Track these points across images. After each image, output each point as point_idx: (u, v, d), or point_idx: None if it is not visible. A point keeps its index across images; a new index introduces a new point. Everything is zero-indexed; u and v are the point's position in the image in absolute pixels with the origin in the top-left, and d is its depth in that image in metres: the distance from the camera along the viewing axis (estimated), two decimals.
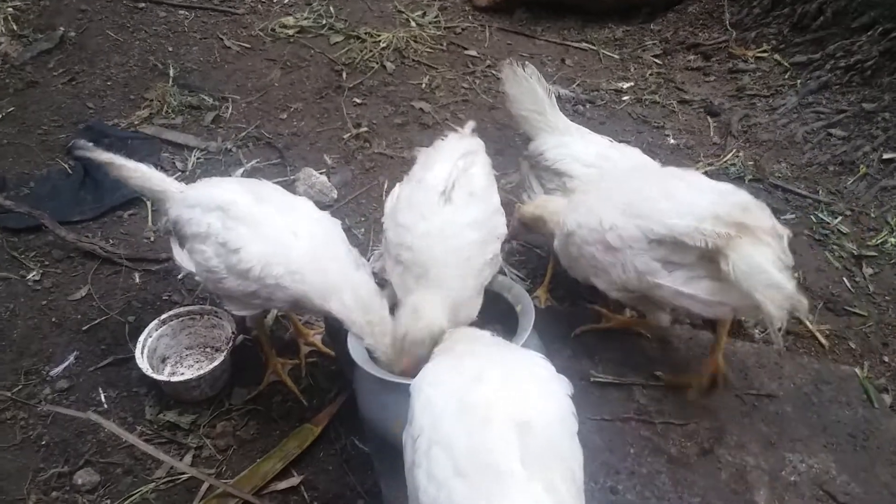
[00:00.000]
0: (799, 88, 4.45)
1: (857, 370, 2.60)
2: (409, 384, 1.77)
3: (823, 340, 3.04)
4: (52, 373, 2.83)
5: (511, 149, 4.03)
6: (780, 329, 1.98)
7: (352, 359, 2.20)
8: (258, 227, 2.31)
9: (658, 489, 2.17)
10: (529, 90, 2.77)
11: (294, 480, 2.52)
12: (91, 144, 2.67)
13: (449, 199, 2.24)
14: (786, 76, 4.61)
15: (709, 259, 2.06)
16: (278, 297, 2.30)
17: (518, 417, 1.50)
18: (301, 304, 2.32)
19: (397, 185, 2.45)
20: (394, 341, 2.14)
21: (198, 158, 3.90)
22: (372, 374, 2.13)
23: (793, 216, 3.67)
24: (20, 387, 2.78)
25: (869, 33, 4.45)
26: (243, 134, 4.09)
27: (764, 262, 1.99)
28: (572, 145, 2.72)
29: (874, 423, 2.40)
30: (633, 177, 2.46)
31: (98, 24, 5.06)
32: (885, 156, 3.91)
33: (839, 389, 2.50)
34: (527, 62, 2.86)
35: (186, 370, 2.79)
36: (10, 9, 4.99)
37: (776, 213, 3.65)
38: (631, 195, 2.25)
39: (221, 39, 4.98)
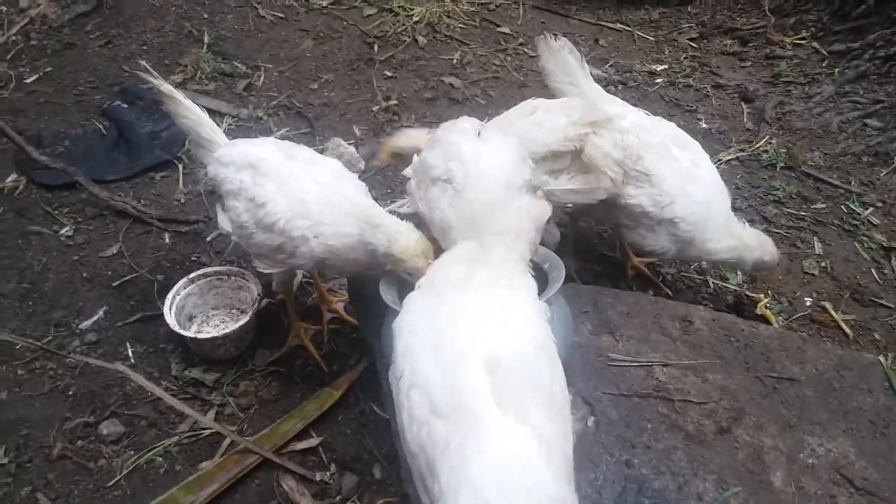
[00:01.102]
0: (836, 77, 4.37)
1: (881, 358, 2.56)
2: None
3: (848, 330, 3.01)
4: (81, 326, 2.90)
5: None
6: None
7: (385, 305, 2.22)
8: (284, 181, 2.35)
9: (673, 465, 2.17)
10: (562, 61, 2.76)
11: (313, 441, 2.58)
12: (155, 74, 2.65)
13: (481, 137, 2.36)
14: (823, 64, 4.52)
15: (577, 158, 2.59)
16: (301, 252, 2.34)
17: (490, 354, 1.58)
18: (321, 259, 2.36)
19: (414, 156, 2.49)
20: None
21: (229, 125, 3.94)
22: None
23: (823, 205, 3.62)
24: (50, 338, 2.86)
25: None
26: (274, 102, 4.12)
27: (603, 144, 2.57)
28: (609, 112, 2.70)
29: (895, 411, 2.38)
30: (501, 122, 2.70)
31: None
32: None
33: (861, 376, 2.48)
34: (559, 35, 2.85)
35: (212, 329, 2.84)
36: None
37: (807, 201, 3.65)
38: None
39: (256, 8, 5.00)
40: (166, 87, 2.60)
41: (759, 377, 2.42)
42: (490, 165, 2.28)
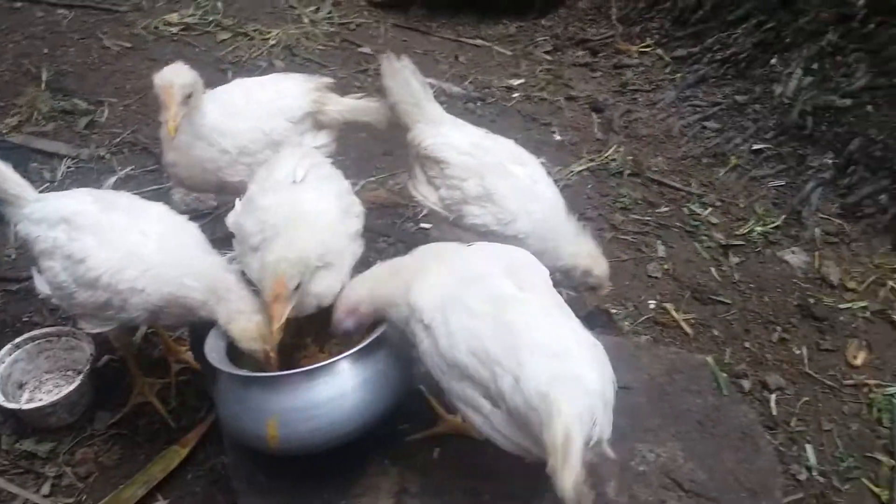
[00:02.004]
0: (678, 82, 4.61)
1: (709, 358, 2.71)
2: (277, 376, 2.03)
3: (688, 329, 3.18)
4: None
5: (402, 148, 4.02)
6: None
7: (211, 365, 2.16)
8: (105, 233, 2.24)
9: (516, 488, 2.21)
10: (405, 82, 2.78)
11: None
12: None
13: (300, 181, 2.35)
14: (666, 70, 4.77)
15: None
16: (133, 305, 2.23)
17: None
18: (158, 308, 2.26)
19: (237, 200, 2.43)
20: (263, 269, 2.14)
21: (68, 167, 3.74)
22: (235, 374, 2.11)
23: (667, 209, 3.81)
24: None
25: (744, 26, 4.67)
26: (118, 139, 3.94)
27: (346, 101, 3.07)
28: (448, 134, 2.76)
29: (722, 410, 2.52)
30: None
31: None
32: (755, 146, 4.11)
33: (691, 378, 2.60)
34: (402, 55, 2.84)
35: (45, 395, 2.68)
36: None
37: (652, 206, 3.83)
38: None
39: (101, 39, 4.79)
40: None
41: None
42: (309, 220, 2.26)
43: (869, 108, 3.96)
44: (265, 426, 2.03)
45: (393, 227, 3.61)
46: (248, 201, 2.40)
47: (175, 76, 2.58)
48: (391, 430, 2.35)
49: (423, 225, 3.58)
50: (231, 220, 2.45)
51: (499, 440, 1.87)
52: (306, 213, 2.28)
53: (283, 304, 2.08)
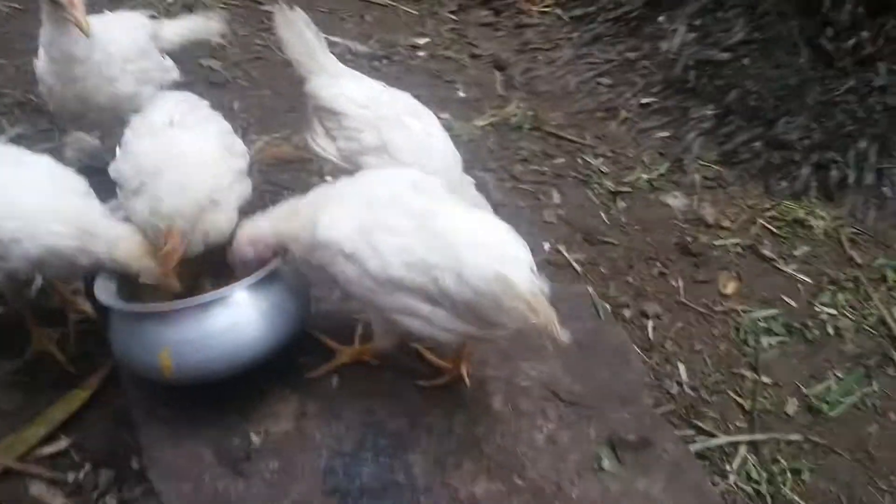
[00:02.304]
0: (575, 41, 4.85)
1: (589, 288, 2.95)
2: (168, 310, 2.10)
3: (578, 268, 3.41)
4: None
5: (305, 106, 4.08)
6: None
7: (104, 307, 2.22)
8: None
9: (408, 405, 2.38)
10: (299, 33, 2.80)
11: (62, 444, 2.51)
12: None
13: (178, 125, 2.41)
14: (564, 30, 4.99)
15: None
16: (15, 256, 2.23)
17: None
18: (39, 259, 2.26)
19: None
20: (158, 218, 2.21)
21: None
22: (127, 310, 2.18)
23: (562, 160, 4.04)
24: None
25: None
26: (8, 100, 3.83)
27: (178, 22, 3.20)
28: (345, 86, 2.80)
29: (599, 333, 2.77)
30: None
31: None
32: (643, 101, 4.39)
33: (573, 307, 2.82)
34: (294, 6, 2.89)
35: None
36: None
37: (549, 157, 4.04)
38: None
39: None
40: None
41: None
42: (188, 159, 2.33)
43: (745, 61, 4.28)
44: (158, 358, 2.11)
45: (298, 181, 3.67)
46: (125, 146, 2.43)
47: None
48: (291, 363, 2.47)
49: (327, 178, 3.65)
50: (111, 167, 2.48)
51: (439, 335, 2.07)
52: (186, 154, 2.33)
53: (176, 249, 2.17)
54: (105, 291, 2.25)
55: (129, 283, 2.33)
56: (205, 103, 2.71)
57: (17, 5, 4.58)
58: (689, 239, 3.63)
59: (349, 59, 4.58)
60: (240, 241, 2.30)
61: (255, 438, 2.26)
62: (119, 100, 2.80)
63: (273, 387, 2.40)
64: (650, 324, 3.19)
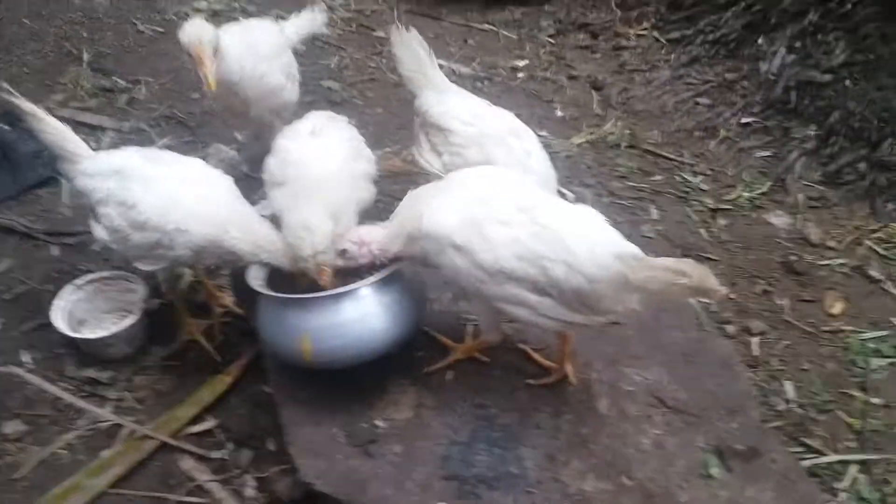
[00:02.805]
0: (672, 62, 4.93)
1: (692, 300, 3.03)
2: (309, 298, 2.35)
3: None
4: None
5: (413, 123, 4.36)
6: None
7: (252, 297, 2.52)
8: (150, 182, 2.57)
9: (517, 402, 2.55)
10: (413, 51, 3.01)
11: (208, 424, 2.82)
12: (17, 94, 2.76)
13: (318, 134, 2.72)
14: (662, 51, 5.08)
15: None
16: (179, 244, 2.53)
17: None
18: (200, 248, 2.56)
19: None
20: (296, 261, 2.46)
21: (111, 139, 4.09)
22: (274, 296, 2.45)
23: (660, 177, 4.13)
24: None
25: (733, 8, 4.96)
26: (156, 114, 4.29)
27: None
28: (452, 103, 2.97)
29: (704, 344, 2.84)
30: None
31: (14, 13, 5.15)
32: (743, 120, 4.43)
33: (676, 317, 2.93)
34: (410, 26, 3.05)
35: (104, 332, 3.03)
36: None
37: (646, 174, 4.14)
38: None
39: (135, 24, 5.13)
40: (27, 105, 2.71)
41: (587, 330, 2.82)
42: (321, 163, 2.62)
43: (847, 82, 4.26)
44: (300, 342, 2.38)
45: (407, 192, 3.93)
46: (275, 151, 2.76)
47: (201, 32, 2.92)
48: (409, 356, 2.69)
49: None
50: (265, 171, 2.77)
51: (545, 323, 2.26)
52: (316, 158, 2.65)
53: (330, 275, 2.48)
54: (256, 280, 2.54)
55: (276, 273, 2.62)
56: (343, 118, 3.01)
57: (160, 28, 5.11)
58: (793, 258, 3.63)
59: (453, 80, 4.77)
60: (347, 237, 2.49)
61: (380, 424, 2.48)
62: (272, 93, 3.36)
63: (394, 378, 2.62)
64: (755, 340, 3.23)
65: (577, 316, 2.22)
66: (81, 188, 2.75)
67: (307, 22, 3.80)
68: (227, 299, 3.17)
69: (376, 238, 2.46)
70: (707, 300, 2.99)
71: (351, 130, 2.94)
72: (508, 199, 2.28)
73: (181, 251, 2.57)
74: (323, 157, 2.67)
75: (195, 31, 2.92)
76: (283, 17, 5.18)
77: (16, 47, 4.81)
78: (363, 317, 2.42)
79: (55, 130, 2.73)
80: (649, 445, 2.45)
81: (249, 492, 2.62)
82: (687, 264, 2.00)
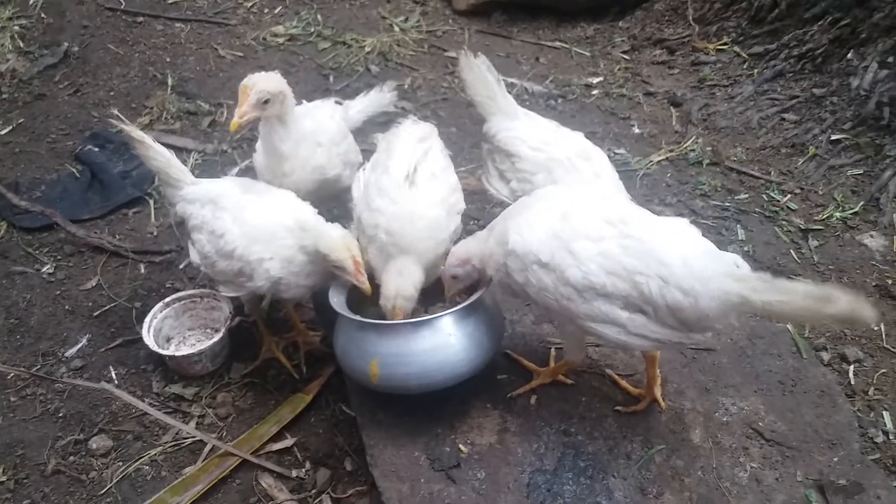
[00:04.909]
0: (755, 77, 4.75)
1: (789, 325, 2.87)
2: (379, 323, 2.38)
3: None
4: (67, 353, 3.14)
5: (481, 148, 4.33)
6: None
7: (331, 317, 2.53)
8: (240, 213, 2.62)
9: (605, 430, 2.46)
10: (481, 77, 2.99)
11: (288, 442, 2.83)
12: (126, 121, 2.83)
13: (413, 182, 2.55)
14: (744, 66, 4.91)
15: None
16: (259, 274, 2.58)
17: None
18: (278, 279, 2.58)
19: (360, 171, 2.76)
20: (385, 300, 2.47)
21: (196, 160, 4.21)
22: (350, 318, 2.45)
23: (746, 196, 3.96)
24: (39, 366, 3.09)
25: (820, 23, 4.76)
26: (238, 136, 4.39)
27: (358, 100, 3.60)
28: (520, 129, 2.94)
29: (802, 372, 2.69)
30: None
31: (100, 39, 5.38)
32: (833, 137, 4.20)
33: (771, 343, 2.78)
34: (479, 53, 3.05)
35: (189, 348, 3.09)
36: (17, 27, 5.31)
37: (731, 193, 3.98)
38: None
39: (216, 49, 5.30)
40: (137, 133, 2.80)
41: (679, 350, 2.72)
42: (417, 228, 2.55)
43: None
44: (369, 365, 2.37)
45: (483, 212, 3.89)
46: (367, 190, 2.67)
47: (260, 80, 2.73)
48: (492, 380, 2.64)
49: None
50: (355, 196, 2.75)
51: (634, 342, 2.15)
52: (414, 227, 2.55)
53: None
54: (335, 298, 2.54)
55: (354, 297, 2.61)
56: (439, 144, 2.91)
57: (240, 53, 5.26)
58: (889, 281, 3.42)
59: (526, 98, 4.81)
60: (451, 263, 2.50)
61: (463, 448, 2.42)
62: (327, 183, 3.03)
63: (477, 402, 2.57)
64: (851, 369, 3.04)
65: (673, 333, 2.11)
66: (181, 213, 2.83)
67: (374, 102, 3.56)
68: (314, 338, 3.14)
69: (473, 253, 2.44)
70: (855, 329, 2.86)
71: (446, 171, 2.81)
72: (596, 214, 2.21)
73: (260, 282, 2.61)
74: (422, 226, 2.56)
75: (257, 76, 2.77)
76: (355, 40, 5.41)
77: (102, 72, 5.03)
78: (433, 348, 2.38)
79: (162, 157, 2.81)
80: (746, 479, 2.34)
81: None
82: (835, 291, 1.85)
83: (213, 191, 2.75)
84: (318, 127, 3.01)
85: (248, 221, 2.61)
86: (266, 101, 2.72)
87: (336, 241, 2.50)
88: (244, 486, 2.72)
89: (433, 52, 5.36)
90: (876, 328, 3.25)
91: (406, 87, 4.89)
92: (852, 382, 3.02)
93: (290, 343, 3.12)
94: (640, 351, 2.36)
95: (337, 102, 3.41)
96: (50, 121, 4.59)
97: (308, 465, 2.79)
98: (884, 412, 2.90)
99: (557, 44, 5.48)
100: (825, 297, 1.85)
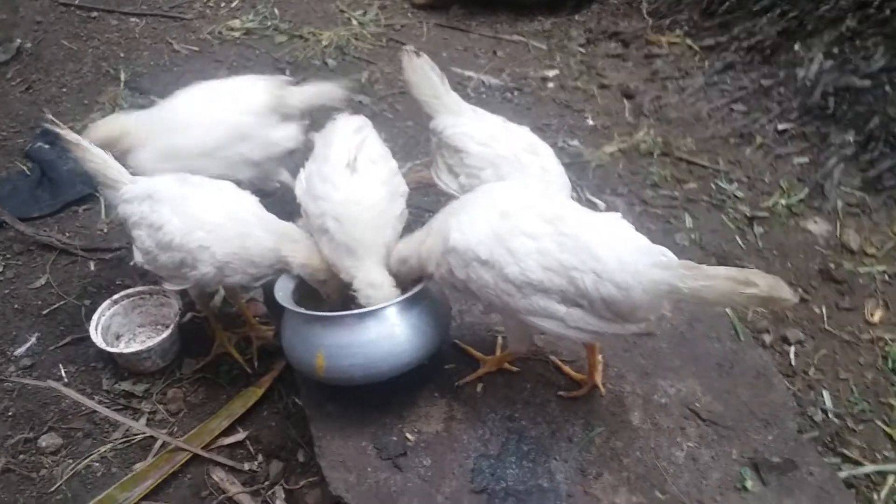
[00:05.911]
0: (706, 69, 4.85)
1: (728, 310, 2.96)
2: (324, 315, 2.39)
3: None
4: (16, 353, 3.12)
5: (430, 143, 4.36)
6: None
7: (278, 302, 2.54)
8: (178, 205, 2.62)
9: (548, 415, 2.51)
10: (426, 76, 2.99)
11: (240, 436, 2.85)
12: (61, 125, 2.80)
13: (354, 169, 2.59)
14: (695, 59, 5.01)
15: None
16: (202, 261, 2.57)
17: None
18: (223, 263, 2.59)
19: (301, 168, 2.77)
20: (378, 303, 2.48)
21: None
22: (294, 311, 2.47)
23: (694, 185, 4.05)
24: None
25: (769, 15, 4.87)
26: None
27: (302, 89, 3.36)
28: (467, 125, 2.94)
29: (739, 354, 2.77)
30: None
31: (53, 35, 5.30)
32: (780, 126, 4.32)
33: (710, 327, 2.86)
34: (421, 52, 3.01)
35: (138, 345, 3.08)
36: None
37: (680, 182, 4.07)
38: None
39: (171, 44, 5.25)
40: (72, 135, 2.77)
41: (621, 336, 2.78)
42: (362, 210, 2.55)
43: (887, 88, 4.13)
44: (315, 357, 2.39)
45: (438, 203, 3.90)
46: (309, 181, 2.68)
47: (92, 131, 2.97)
48: (439, 369, 2.68)
49: None
50: (299, 192, 2.73)
51: (573, 334, 2.21)
52: (360, 210, 2.56)
53: None
54: (281, 293, 2.57)
55: (301, 291, 2.64)
56: (374, 135, 2.88)
57: (195, 47, 5.22)
58: (832, 265, 3.54)
59: (483, 91, 4.85)
60: (392, 263, 2.54)
61: (410, 437, 2.46)
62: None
63: (424, 391, 2.61)
64: (792, 350, 3.14)
65: (609, 325, 2.17)
66: (122, 213, 2.82)
67: (320, 93, 3.36)
68: (268, 332, 3.15)
69: (410, 254, 2.48)
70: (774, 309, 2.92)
71: (385, 158, 2.82)
72: (533, 211, 2.26)
73: (205, 269, 2.61)
74: (368, 207, 2.58)
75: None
76: (313, 34, 5.40)
77: (55, 68, 4.96)
78: (377, 339, 2.41)
79: (98, 158, 2.79)
80: (683, 458, 2.41)
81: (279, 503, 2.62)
82: (755, 274, 1.92)
83: (150, 186, 2.74)
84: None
85: (188, 211, 2.61)
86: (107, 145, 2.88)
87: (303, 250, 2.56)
88: (196, 480, 2.73)
89: (391, 45, 5.37)
90: (818, 311, 3.37)
91: (363, 80, 4.90)
92: (793, 363, 3.13)
93: (242, 338, 3.13)
94: (582, 341, 2.42)
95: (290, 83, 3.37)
96: (0, 118, 4.52)
97: (260, 457, 2.81)
98: (823, 391, 3.02)
99: (515, 37, 5.52)
100: (745, 279, 1.92)
